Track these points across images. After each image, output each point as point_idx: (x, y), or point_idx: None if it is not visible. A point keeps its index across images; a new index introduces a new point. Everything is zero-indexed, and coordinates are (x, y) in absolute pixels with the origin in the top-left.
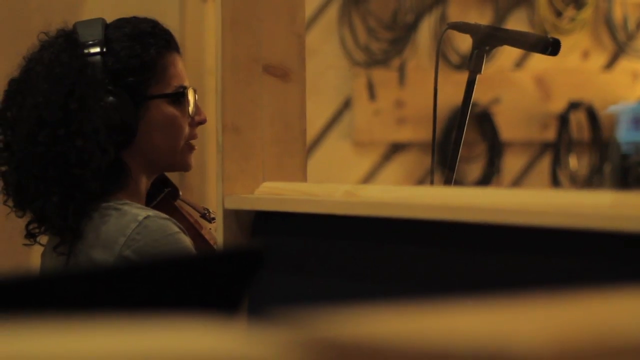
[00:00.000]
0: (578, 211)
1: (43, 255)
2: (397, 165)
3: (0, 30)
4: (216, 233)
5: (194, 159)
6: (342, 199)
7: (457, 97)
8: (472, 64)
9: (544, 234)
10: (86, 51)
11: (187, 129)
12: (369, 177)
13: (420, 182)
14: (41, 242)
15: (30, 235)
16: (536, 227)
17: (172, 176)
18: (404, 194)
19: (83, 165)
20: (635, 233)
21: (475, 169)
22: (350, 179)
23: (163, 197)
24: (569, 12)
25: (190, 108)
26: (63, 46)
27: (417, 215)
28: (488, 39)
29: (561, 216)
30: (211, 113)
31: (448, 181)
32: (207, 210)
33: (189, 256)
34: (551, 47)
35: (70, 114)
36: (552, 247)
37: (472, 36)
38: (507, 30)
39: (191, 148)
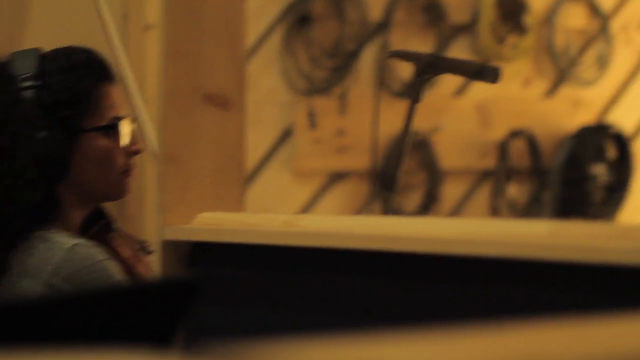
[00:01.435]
0: (515, 241)
1: None
2: (338, 194)
3: None
4: (154, 264)
5: (133, 187)
6: (280, 229)
7: (399, 125)
8: (412, 92)
9: (482, 264)
10: (20, 85)
11: (121, 160)
12: (309, 207)
13: (361, 210)
14: None
15: None
16: (473, 256)
17: (112, 206)
18: (342, 224)
19: (11, 203)
20: (571, 262)
21: (414, 198)
22: (290, 209)
23: (97, 230)
24: (511, 39)
25: (125, 139)
26: None
27: (355, 245)
28: (429, 68)
29: (499, 246)
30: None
31: (387, 210)
32: (144, 242)
33: (123, 287)
34: (490, 75)
35: (1, 152)
36: (491, 277)
37: (413, 64)
38: (447, 59)
39: (127, 176)
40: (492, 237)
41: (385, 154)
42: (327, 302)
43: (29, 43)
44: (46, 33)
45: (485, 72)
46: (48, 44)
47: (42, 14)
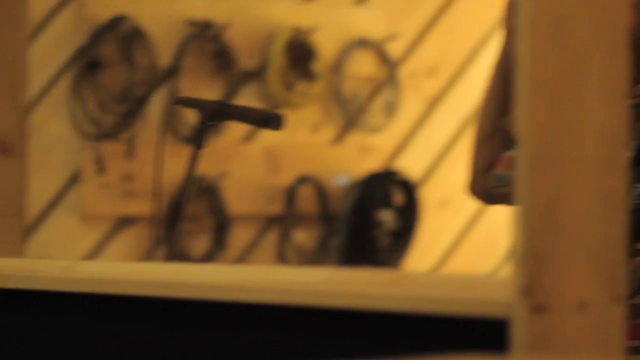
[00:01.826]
0: (292, 288)
1: None
2: (125, 240)
3: None
4: None
5: None
6: (61, 275)
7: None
8: (196, 138)
9: (264, 311)
10: None
11: None
12: (95, 252)
13: (147, 256)
14: None
15: None
16: (255, 303)
17: None
18: (124, 270)
19: None
20: (345, 309)
21: (202, 243)
22: (78, 255)
23: None
24: (300, 85)
25: None
26: None
27: (136, 291)
28: (214, 114)
29: (279, 293)
30: None
31: (170, 256)
32: None
33: None
34: (275, 123)
35: None
36: (270, 324)
37: (198, 111)
38: (232, 106)
39: None
40: (269, 284)
41: (172, 199)
42: (106, 350)
43: None
44: None
45: (269, 120)
46: None
47: None
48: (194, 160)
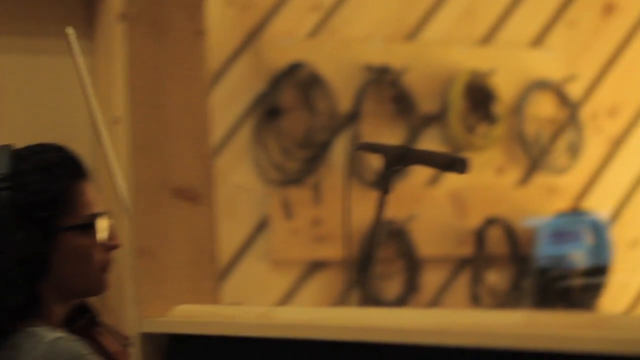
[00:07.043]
0: (493, 331)
1: None
2: (316, 284)
3: None
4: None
5: (111, 279)
6: (257, 321)
7: (373, 215)
8: (381, 183)
9: (461, 354)
10: None
11: (99, 257)
12: (287, 297)
13: (340, 300)
14: None
15: None
16: (452, 347)
17: (93, 298)
18: (319, 316)
19: None
20: (546, 351)
21: (393, 286)
22: (268, 300)
23: (82, 324)
24: (481, 128)
25: (102, 235)
26: None
27: (332, 336)
28: (398, 159)
29: (476, 336)
30: (125, 236)
31: (363, 300)
32: (129, 337)
33: None
34: (459, 166)
35: None
36: None
37: (382, 156)
38: (415, 150)
39: (105, 271)
40: (470, 327)
41: (361, 243)
42: None
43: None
44: (17, 128)
45: (454, 164)
46: (19, 140)
47: (14, 105)
48: (381, 205)
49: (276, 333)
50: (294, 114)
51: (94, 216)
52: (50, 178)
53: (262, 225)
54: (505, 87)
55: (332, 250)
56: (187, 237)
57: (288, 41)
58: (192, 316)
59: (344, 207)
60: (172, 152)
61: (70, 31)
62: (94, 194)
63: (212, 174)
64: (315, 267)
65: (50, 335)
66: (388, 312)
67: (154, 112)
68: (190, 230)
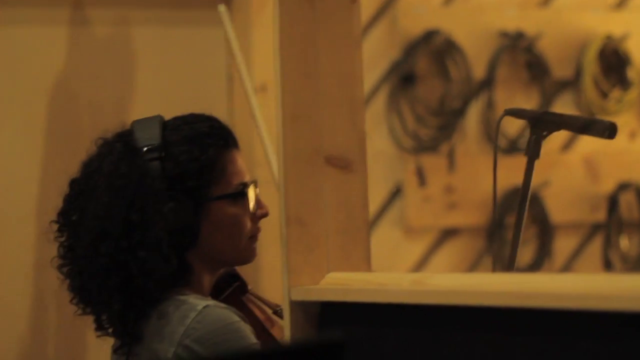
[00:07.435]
0: (627, 295)
1: (112, 352)
2: (449, 251)
3: (52, 127)
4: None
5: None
6: (411, 287)
7: (508, 181)
8: (530, 149)
9: (602, 318)
10: (145, 158)
11: (249, 226)
12: (420, 264)
13: (472, 267)
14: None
15: (100, 328)
16: (596, 311)
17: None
18: (473, 282)
19: (146, 275)
20: None
21: (526, 252)
22: (402, 266)
23: (231, 291)
24: (615, 93)
25: (252, 204)
26: (121, 153)
27: (488, 302)
28: (544, 124)
29: (624, 300)
30: (268, 204)
31: (510, 266)
32: (278, 306)
33: (273, 350)
34: (608, 131)
35: (131, 226)
36: (614, 331)
37: (528, 122)
38: (562, 115)
39: (254, 240)
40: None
41: (497, 210)
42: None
43: (136, 111)
44: (154, 99)
45: (603, 128)
46: (155, 111)
47: (148, 77)
48: (529, 170)
49: (431, 299)
50: (428, 81)
51: (244, 185)
52: (200, 148)
53: (395, 192)
54: (639, 52)
55: (465, 217)
56: (338, 205)
57: (423, 8)
58: (344, 284)
59: (494, 173)
60: (325, 120)
61: (222, 9)
62: (243, 163)
63: (364, 143)
64: (448, 234)
65: (199, 303)
66: (542, 277)
67: (305, 80)
68: (342, 199)
